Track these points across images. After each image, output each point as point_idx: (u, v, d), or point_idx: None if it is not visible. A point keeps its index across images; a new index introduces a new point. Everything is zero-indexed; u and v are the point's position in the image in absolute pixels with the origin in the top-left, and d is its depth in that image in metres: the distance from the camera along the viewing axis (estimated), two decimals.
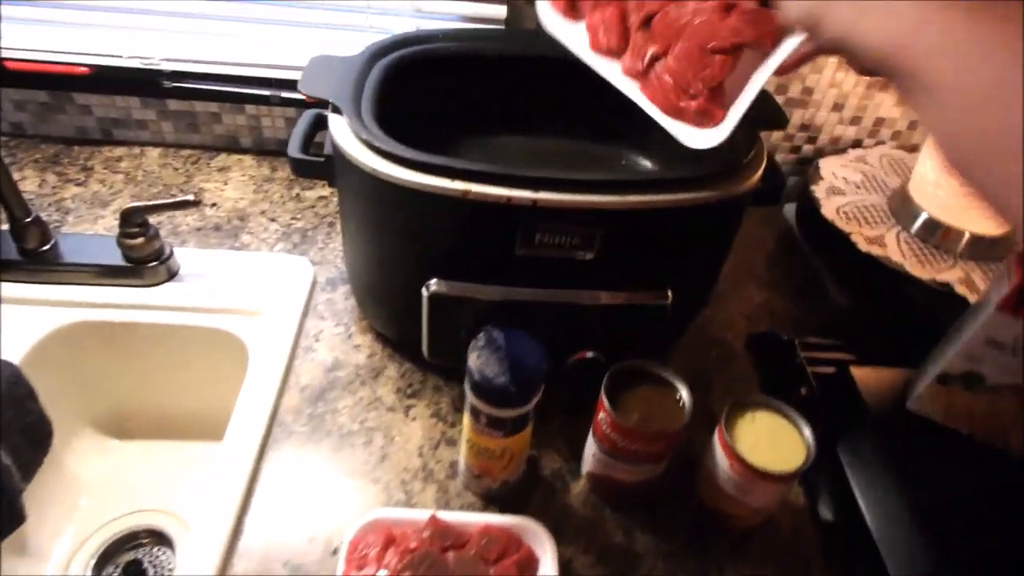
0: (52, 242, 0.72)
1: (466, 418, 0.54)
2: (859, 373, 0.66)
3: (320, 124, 0.68)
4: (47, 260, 0.71)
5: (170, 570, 0.69)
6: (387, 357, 0.68)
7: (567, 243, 0.55)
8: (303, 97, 0.86)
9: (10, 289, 0.70)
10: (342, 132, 0.58)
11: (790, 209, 0.90)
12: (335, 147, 0.58)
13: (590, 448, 0.58)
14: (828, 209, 0.78)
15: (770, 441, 0.54)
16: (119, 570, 0.69)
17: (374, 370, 0.67)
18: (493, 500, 0.58)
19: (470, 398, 0.52)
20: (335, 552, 0.53)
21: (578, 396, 0.62)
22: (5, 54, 0.84)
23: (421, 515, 0.53)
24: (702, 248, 0.62)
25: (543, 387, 0.52)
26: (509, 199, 0.52)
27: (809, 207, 0.80)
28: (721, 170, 0.56)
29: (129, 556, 0.70)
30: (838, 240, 0.75)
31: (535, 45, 0.72)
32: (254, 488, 0.57)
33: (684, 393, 0.55)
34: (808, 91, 0.87)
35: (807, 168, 0.87)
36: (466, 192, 0.52)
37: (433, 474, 0.59)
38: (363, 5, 0.83)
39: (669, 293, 0.59)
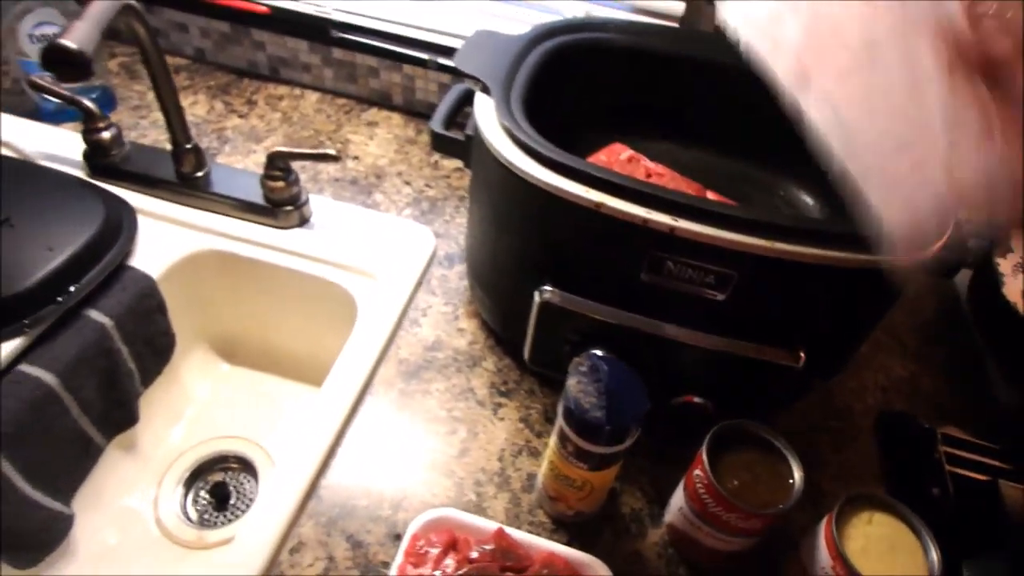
0: (205, 170, 0.75)
1: (553, 439, 0.52)
2: (1010, 489, 0.57)
3: (469, 100, 0.66)
4: (198, 186, 0.75)
5: (250, 499, 0.73)
6: (488, 348, 0.67)
7: (699, 279, 0.50)
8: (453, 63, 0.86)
9: (161, 207, 0.74)
10: (486, 115, 0.55)
11: (962, 277, 0.78)
12: (476, 129, 0.56)
13: (678, 500, 0.54)
14: (1012, 288, 0.67)
15: (885, 550, 0.47)
16: (207, 487, 0.73)
17: (472, 359, 0.66)
18: (564, 526, 0.55)
19: (561, 423, 0.49)
20: (397, 538, 0.53)
21: (676, 438, 0.58)
22: None
23: (488, 525, 0.51)
24: (851, 314, 0.55)
25: (640, 430, 0.48)
26: (645, 221, 0.48)
27: (988, 281, 0.69)
28: None
29: (218, 477, 0.74)
30: (1016, 326, 0.65)
31: (710, 49, 0.66)
32: (335, 452, 0.58)
33: (797, 473, 0.49)
34: None
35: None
36: (599, 204, 0.49)
37: (509, 482, 0.58)
38: None
39: (802, 355, 0.52)
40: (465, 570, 0.48)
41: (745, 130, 0.67)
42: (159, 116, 0.87)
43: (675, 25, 0.75)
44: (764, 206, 0.66)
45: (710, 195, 0.61)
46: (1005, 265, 0.69)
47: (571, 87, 0.63)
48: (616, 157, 0.65)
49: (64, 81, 0.58)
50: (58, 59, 0.49)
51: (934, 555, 0.46)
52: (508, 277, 0.60)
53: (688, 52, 0.65)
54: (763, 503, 0.48)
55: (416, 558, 0.49)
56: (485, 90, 0.57)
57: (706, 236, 0.47)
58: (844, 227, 0.48)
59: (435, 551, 0.50)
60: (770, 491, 0.49)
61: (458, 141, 0.61)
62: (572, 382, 0.48)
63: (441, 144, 0.62)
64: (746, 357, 0.53)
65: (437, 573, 0.48)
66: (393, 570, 0.49)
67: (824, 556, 0.47)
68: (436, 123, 0.62)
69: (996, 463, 0.61)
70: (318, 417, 0.59)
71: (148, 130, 0.87)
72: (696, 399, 0.56)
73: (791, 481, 0.49)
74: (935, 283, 0.79)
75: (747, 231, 0.47)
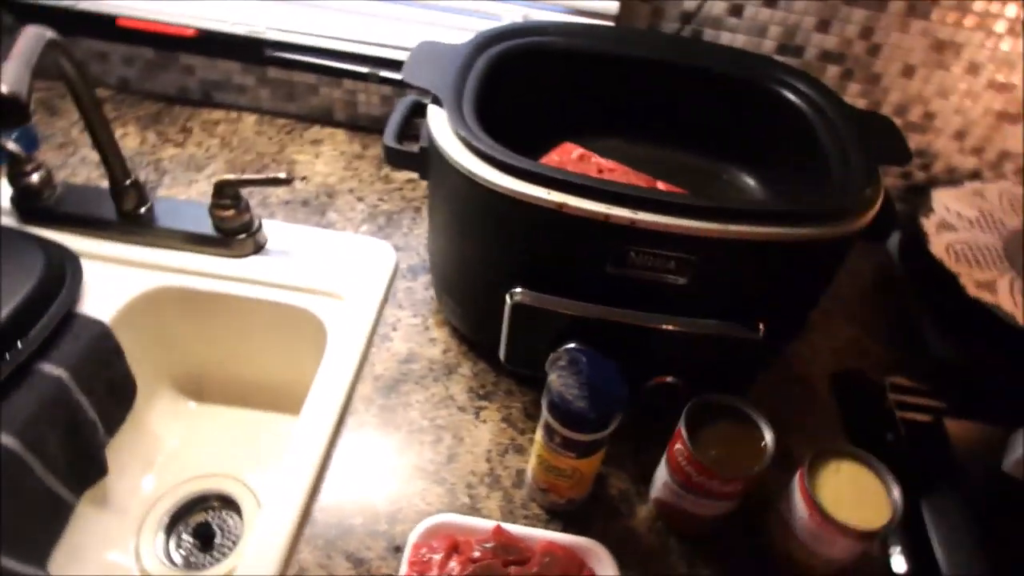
0: (148, 205, 0.74)
1: (539, 434, 0.53)
2: (953, 426, 0.62)
3: (418, 111, 0.67)
4: (142, 223, 0.73)
5: (236, 535, 0.72)
6: (461, 354, 0.68)
7: (661, 266, 0.53)
8: (400, 77, 0.87)
9: (105, 248, 0.72)
10: (440, 126, 0.57)
11: (892, 240, 0.84)
12: (431, 141, 0.57)
13: (661, 476, 0.56)
14: (937, 245, 0.73)
15: (853, 494, 0.51)
16: (189, 530, 0.72)
17: (448, 367, 0.67)
18: (557, 515, 0.57)
19: (546, 416, 0.51)
20: (397, 550, 0.54)
21: (653, 419, 0.60)
22: (118, 11, 0.87)
23: (486, 524, 0.53)
24: (802, 284, 0.59)
25: (621, 415, 0.50)
26: (607, 216, 0.50)
27: (916, 241, 0.75)
28: (835, 206, 0.52)
29: (199, 518, 0.73)
30: (944, 280, 0.70)
31: (647, 46, 0.69)
32: (323, 475, 0.58)
33: (768, 435, 0.53)
34: (930, 116, 0.81)
35: (917, 198, 0.81)
36: (561, 205, 0.51)
37: (499, 481, 0.59)
38: None
39: (762, 327, 0.56)
40: (470, 570, 0.50)
41: (686, 121, 0.71)
42: (88, 153, 0.85)
43: (612, 24, 0.78)
44: (711, 191, 0.69)
45: (660, 185, 0.64)
46: (929, 224, 0.75)
47: (518, 91, 0.65)
48: (568, 156, 0.67)
49: (2, 128, 0.56)
50: None
51: (896, 493, 0.50)
52: (477, 283, 0.61)
53: (627, 51, 0.68)
54: (741, 467, 0.51)
55: (420, 566, 0.50)
56: (436, 101, 0.58)
57: (665, 225, 0.50)
58: (789, 206, 0.51)
59: (438, 556, 0.51)
60: (746, 456, 0.52)
61: (412, 154, 0.62)
62: (553, 377, 0.50)
63: (395, 158, 0.63)
64: (711, 334, 0.56)
65: None
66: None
67: (801, 507, 0.51)
68: (389, 138, 0.63)
69: (937, 404, 0.66)
70: (301, 443, 0.59)
71: (78, 168, 0.84)
72: (668, 379, 0.59)
73: (763, 444, 0.53)
74: (871, 248, 0.84)
75: (702, 217, 0.50)
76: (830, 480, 0.52)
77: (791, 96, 0.65)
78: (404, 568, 0.50)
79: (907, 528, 0.58)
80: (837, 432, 0.66)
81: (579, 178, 0.51)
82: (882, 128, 0.63)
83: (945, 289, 0.70)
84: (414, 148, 0.62)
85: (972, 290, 0.68)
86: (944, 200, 0.78)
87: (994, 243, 0.74)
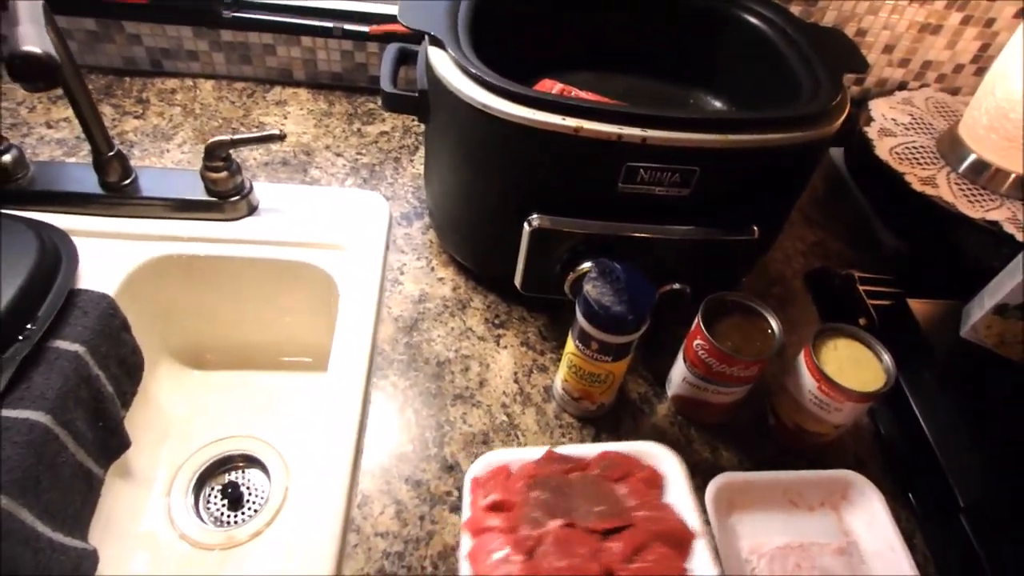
0: (133, 176, 0.72)
1: (571, 346, 0.58)
2: (914, 304, 0.71)
3: (404, 59, 0.69)
4: (128, 194, 0.71)
5: (264, 491, 0.73)
6: (471, 289, 0.71)
7: (667, 179, 0.58)
8: (366, 30, 0.87)
9: (93, 223, 0.70)
10: (445, 65, 0.59)
11: (835, 151, 0.93)
12: (436, 81, 0.59)
13: (679, 373, 0.62)
14: (881, 150, 0.81)
15: (852, 365, 0.58)
16: (216, 491, 0.73)
17: (460, 302, 0.70)
18: (590, 422, 0.62)
19: (583, 325, 0.55)
20: (451, 469, 0.57)
21: (661, 324, 0.66)
22: None
23: (537, 452, 0.55)
24: (786, 186, 0.65)
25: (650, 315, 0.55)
26: (620, 136, 0.54)
27: (862, 148, 0.83)
28: (818, 110, 0.58)
29: (225, 479, 0.74)
30: (891, 181, 0.79)
31: None
32: (367, 410, 0.60)
33: (775, 323, 0.59)
34: (862, 32, 0.89)
35: (856, 110, 0.89)
36: (578, 128, 0.54)
37: (530, 398, 0.63)
38: None
39: (756, 229, 0.62)
40: (533, 481, 0.53)
41: (651, 50, 0.75)
42: (45, 131, 0.82)
43: None
44: None
45: None
46: (871, 132, 0.83)
47: (498, 30, 0.67)
48: (549, 91, 0.70)
49: (33, 91, 0.54)
50: (27, 68, 0.46)
51: (887, 358, 0.58)
52: (490, 216, 0.64)
53: None
54: (758, 352, 0.57)
55: (484, 491, 0.53)
56: (435, 43, 0.60)
57: (673, 140, 0.55)
58: (781, 113, 0.57)
59: (499, 479, 0.53)
60: (758, 342, 0.58)
61: (411, 97, 0.64)
62: (588, 287, 0.54)
63: (394, 103, 0.65)
64: (713, 240, 0.61)
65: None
66: (465, 508, 0.52)
67: (809, 381, 0.58)
68: (386, 84, 0.64)
69: (896, 289, 0.75)
70: (339, 383, 0.61)
71: (38, 148, 0.80)
72: (676, 286, 0.64)
73: (771, 331, 0.59)
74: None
75: (707, 130, 0.55)
76: (830, 355, 0.59)
77: (749, 18, 0.71)
78: (468, 497, 0.52)
79: (889, 398, 0.66)
80: (815, 322, 0.74)
81: (591, 103, 0.55)
82: (838, 41, 0.69)
83: (893, 188, 0.78)
84: (413, 92, 0.63)
85: (917, 186, 0.76)
86: (880, 109, 0.87)
87: (928, 143, 0.83)
